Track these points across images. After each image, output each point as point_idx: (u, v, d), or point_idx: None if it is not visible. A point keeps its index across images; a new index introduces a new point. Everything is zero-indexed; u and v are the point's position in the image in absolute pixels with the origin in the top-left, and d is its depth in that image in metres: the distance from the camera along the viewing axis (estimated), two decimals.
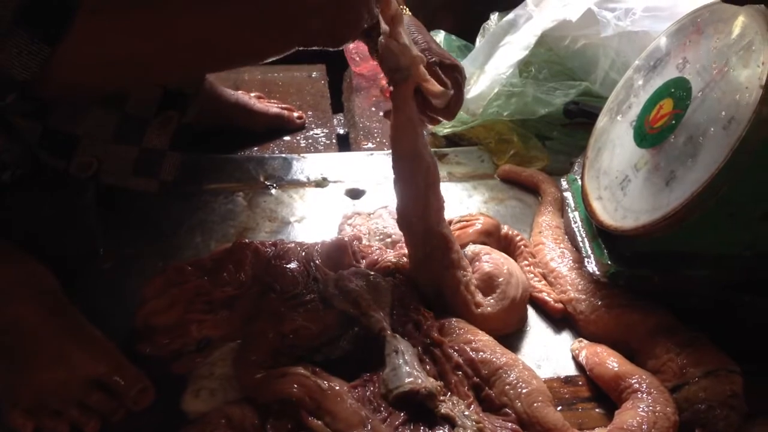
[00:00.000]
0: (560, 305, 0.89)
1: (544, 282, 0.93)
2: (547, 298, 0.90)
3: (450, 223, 0.98)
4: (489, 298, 0.85)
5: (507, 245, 0.98)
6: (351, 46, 1.45)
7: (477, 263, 0.89)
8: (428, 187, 0.85)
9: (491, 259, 0.89)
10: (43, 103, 0.71)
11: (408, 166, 0.83)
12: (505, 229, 0.99)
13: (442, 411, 0.69)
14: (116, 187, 0.85)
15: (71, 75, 0.63)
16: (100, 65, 0.64)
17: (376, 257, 0.90)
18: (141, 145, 0.81)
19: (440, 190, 0.87)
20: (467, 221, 0.98)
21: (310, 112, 1.35)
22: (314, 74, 1.49)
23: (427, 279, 0.85)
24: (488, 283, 0.86)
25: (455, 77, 0.86)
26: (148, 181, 0.87)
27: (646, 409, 0.70)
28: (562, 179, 1.06)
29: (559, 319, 0.89)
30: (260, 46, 0.68)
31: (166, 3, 0.63)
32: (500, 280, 0.86)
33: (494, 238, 0.97)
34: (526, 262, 0.96)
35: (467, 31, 1.38)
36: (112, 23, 0.62)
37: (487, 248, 0.92)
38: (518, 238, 0.99)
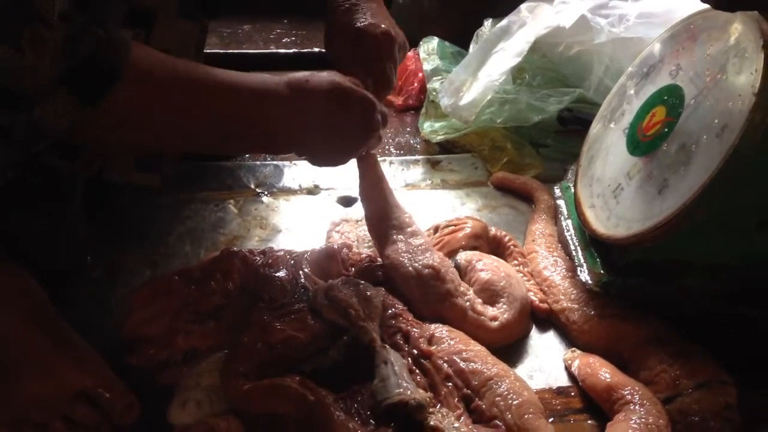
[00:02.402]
0: (545, 305, 0.88)
1: (532, 282, 0.93)
2: (533, 297, 0.89)
3: (437, 229, 0.98)
4: (499, 305, 0.85)
5: (496, 247, 0.98)
6: None
7: (473, 273, 0.88)
8: (403, 230, 0.90)
9: (486, 266, 0.88)
10: None
11: (380, 220, 0.90)
12: (493, 230, 0.98)
13: (431, 423, 0.68)
14: (119, 184, 0.84)
15: (100, 132, 0.67)
16: (130, 127, 0.68)
17: (365, 265, 0.90)
18: None
19: (418, 228, 0.92)
20: (455, 226, 0.97)
21: None
22: None
23: (435, 316, 0.84)
24: (491, 291, 0.86)
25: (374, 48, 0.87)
26: (150, 175, 0.86)
27: (638, 422, 0.69)
28: (555, 187, 1.05)
29: (551, 328, 0.88)
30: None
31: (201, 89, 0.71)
32: (502, 284, 0.86)
33: (483, 240, 0.96)
34: (516, 262, 0.95)
35: (461, 37, 1.37)
36: (150, 95, 0.67)
37: (477, 254, 0.91)
38: (507, 238, 0.98)
